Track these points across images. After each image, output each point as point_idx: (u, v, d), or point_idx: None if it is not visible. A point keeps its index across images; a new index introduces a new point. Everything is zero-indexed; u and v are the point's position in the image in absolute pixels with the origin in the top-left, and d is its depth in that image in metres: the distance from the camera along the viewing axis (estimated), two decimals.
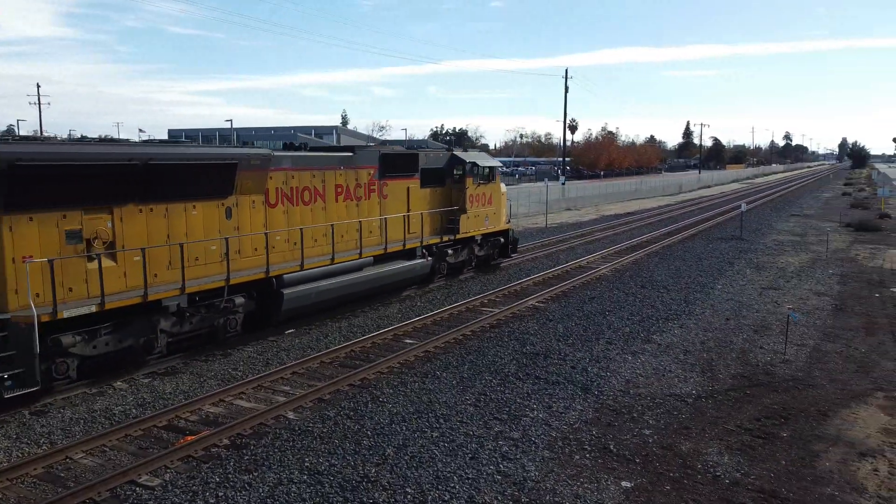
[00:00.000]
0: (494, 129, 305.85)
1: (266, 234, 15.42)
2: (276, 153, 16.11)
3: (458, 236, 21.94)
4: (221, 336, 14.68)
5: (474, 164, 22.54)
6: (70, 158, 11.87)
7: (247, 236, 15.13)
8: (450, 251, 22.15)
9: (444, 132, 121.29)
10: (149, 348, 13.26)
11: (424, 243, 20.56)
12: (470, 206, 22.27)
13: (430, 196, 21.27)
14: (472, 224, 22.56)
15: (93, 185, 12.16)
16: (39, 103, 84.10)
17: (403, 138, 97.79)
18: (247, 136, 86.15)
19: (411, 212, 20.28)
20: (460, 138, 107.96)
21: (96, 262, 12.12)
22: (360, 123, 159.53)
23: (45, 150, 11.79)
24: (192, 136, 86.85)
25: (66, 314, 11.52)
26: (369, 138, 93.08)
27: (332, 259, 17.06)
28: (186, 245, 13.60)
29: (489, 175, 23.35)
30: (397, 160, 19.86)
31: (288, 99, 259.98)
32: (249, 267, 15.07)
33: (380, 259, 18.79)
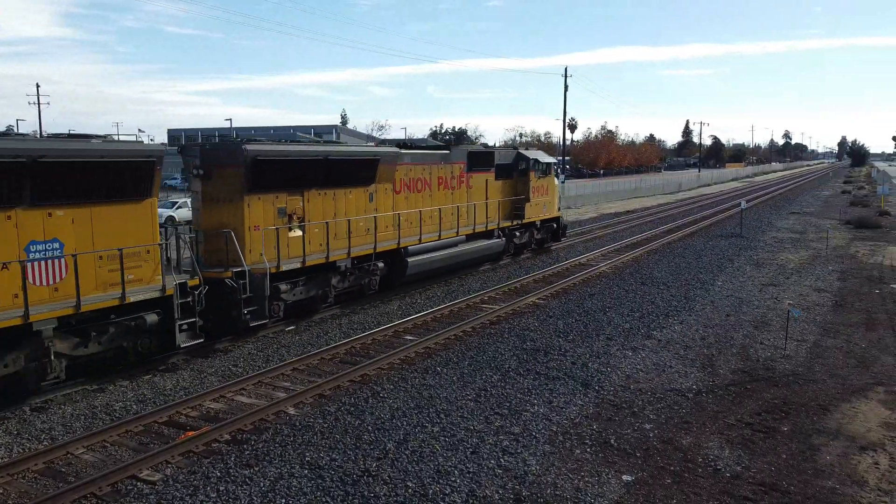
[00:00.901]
0: (494, 128, 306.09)
1: (399, 214, 19.60)
2: (402, 151, 20.18)
3: (523, 221, 25.78)
4: (366, 291, 18.81)
5: (536, 161, 26.32)
6: (285, 155, 15.90)
7: (382, 215, 19.01)
8: (517, 233, 26.01)
9: (443, 131, 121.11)
10: (324, 298, 17.30)
11: (499, 226, 24.44)
12: (532, 196, 26.05)
13: (501, 187, 25.07)
14: (534, 211, 26.41)
15: (294, 174, 16.12)
16: (39, 103, 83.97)
17: (403, 137, 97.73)
18: (246, 136, 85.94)
19: (489, 200, 24.10)
20: (459, 137, 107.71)
21: (294, 231, 16.27)
22: (359, 123, 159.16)
23: (272, 149, 15.82)
24: (191, 135, 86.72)
25: (284, 268, 15.57)
26: (369, 137, 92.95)
27: (440, 236, 21.11)
28: (351, 220, 17.65)
29: (546, 170, 27.06)
30: (479, 157, 23.89)
31: (287, 99, 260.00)
32: (384, 240, 18.94)
33: (469, 238, 22.71)
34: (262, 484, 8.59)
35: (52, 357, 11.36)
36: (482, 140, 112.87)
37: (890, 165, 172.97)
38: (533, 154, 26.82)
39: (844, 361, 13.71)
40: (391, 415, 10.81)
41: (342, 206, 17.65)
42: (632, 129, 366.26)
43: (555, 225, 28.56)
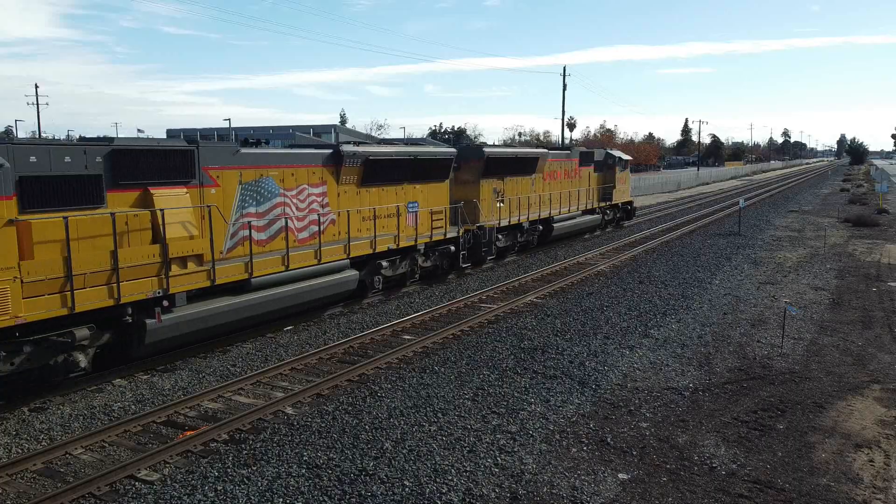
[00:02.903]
0: (493, 127, 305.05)
1: (550, 195, 28.15)
2: (548, 151, 28.46)
3: (611, 203, 34.74)
4: (530, 246, 27.72)
5: (619, 158, 35.20)
6: (501, 154, 24.53)
7: (540, 194, 27.42)
8: (607, 212, 34.87)
9: (442, 131, 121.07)
10: (512, 248, 26.14)
11: (598, 206, 33.47)
12: (617, 184, 34.93)
13: (597, 178, 33.62)
14: (618, 196, 35.50)
15: (502, 166, 24.32)
16: (38, 104, 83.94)
17: (402, 137, 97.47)
18: (246, 136, 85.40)
19: (591, 186, 32.66)
20: (459, 137, 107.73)
21: (500, 203, 24.38)
22: (358, 122, 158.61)
23: (496, 150, 24.55)
24: (190, 135, 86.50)
25: (501, 224, 24.45)
26: (368, 137, 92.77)
27: (569, 210, 29.86)
28: (529, 197, 26.50)
29: (625, 165, 36.24)
30: (586, 155, 32.72)
31: (286, 98, 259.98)
32: (543, 210, 27.62)
33: (582, 213, 31.56)
34: (259, 483, 8.63)
35: (416, 266, 20.38)
36: (481, 139, 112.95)
37: (889, 164, 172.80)
38: (617, 153, 35.82)
39: (841, 359, 13.76)
40: (389, 414, 10.85)
41: (520, 188, 25.90)
42: (631, 127, 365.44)
43: (629, 207, 37.93)
